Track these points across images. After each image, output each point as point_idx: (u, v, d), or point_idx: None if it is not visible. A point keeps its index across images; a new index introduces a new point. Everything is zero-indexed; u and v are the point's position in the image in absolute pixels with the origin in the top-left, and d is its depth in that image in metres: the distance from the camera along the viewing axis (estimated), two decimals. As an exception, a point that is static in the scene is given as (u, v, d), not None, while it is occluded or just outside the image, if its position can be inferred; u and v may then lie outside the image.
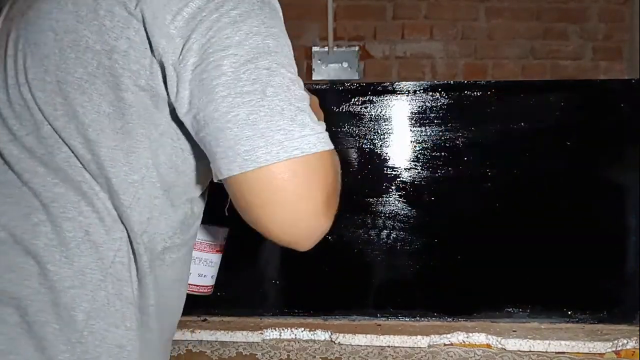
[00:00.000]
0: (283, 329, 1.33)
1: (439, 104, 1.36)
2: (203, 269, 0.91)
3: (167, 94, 0.64)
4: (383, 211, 1.38)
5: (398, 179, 1.37)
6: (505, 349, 1.28)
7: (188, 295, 0.83)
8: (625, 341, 1.26)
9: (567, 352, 1.26)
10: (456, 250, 1.38)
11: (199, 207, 0.77)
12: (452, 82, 1.39)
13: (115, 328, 0.66)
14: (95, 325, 0.64)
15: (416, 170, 1.37)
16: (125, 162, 0.64)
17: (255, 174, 0.61)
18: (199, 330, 1.33)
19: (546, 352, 1.27)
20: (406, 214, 1.38)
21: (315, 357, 1.31)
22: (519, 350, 1.28)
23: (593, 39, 2.67)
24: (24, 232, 0.64)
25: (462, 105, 1.36)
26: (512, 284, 1.39)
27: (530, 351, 1.27)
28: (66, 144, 0.64)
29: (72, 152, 0.64)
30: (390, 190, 1.38)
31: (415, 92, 1.36)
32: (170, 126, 0.67)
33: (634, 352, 1.25)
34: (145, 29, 0.61)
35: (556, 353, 1.27)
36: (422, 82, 1.38)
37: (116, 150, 0.64)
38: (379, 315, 1.40)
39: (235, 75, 0.60)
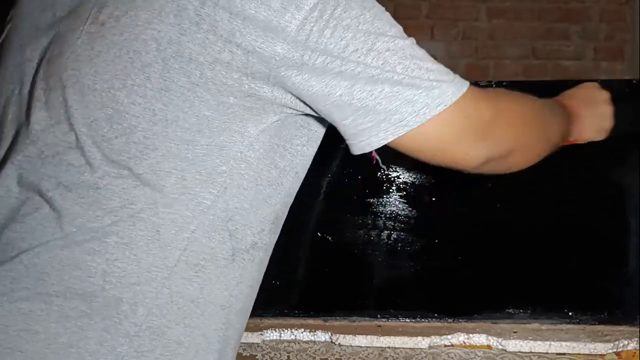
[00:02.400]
0: (283, 330, 1.33)
1: (439, 104, 1.36)
2: None
3: (284, 96, 0.70)
4: (383, 212, 1.38)
5: (398, 180, 1.37)
6: (506, 350, 1.28)
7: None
8: (626, 342, 1.26)
9: (568, 353, 1.26)
10: (457, 251, 1.38)
11: (284, 214, 0.83)
12: (452, 82, 1.39)
13: (175, 325, 0.69)
14: (155, 322, 0.68)
15: (416, 170, 1.37)
16: (217, 155, 0.69)
17: (411, 136, 0.71)
18: (199, 331, 1.33)
19: (547, 353, 1.27)
20: (407, 214, 1.38)
21: (315, 358, 1.31)
22: (520, 352, 1.27)
23: (594, 39, 2.67)
24: (94, 232, 0.67)
25: (462, 105, 1.36)
26: (512, 285, 1.38)
27: (531, 352, 1.27)
28: (158, 149, 0.67)
29: (165, 155, 0.68)
30: (391, 190, 1.37)
31: (415, 92, 1.36)
32: (276, 125, 0.73)
33: (635, 353, 1.25)
34: (251, 42, 0.66)
35: (557, 354, 1.26)
36: (423, 82, 1.37)
37: (210, 146, 0.68)
38: (379, 316, 1.39)
39: (365, 66, 0.68)
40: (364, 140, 0.72)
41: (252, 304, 0.83)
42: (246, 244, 0.75)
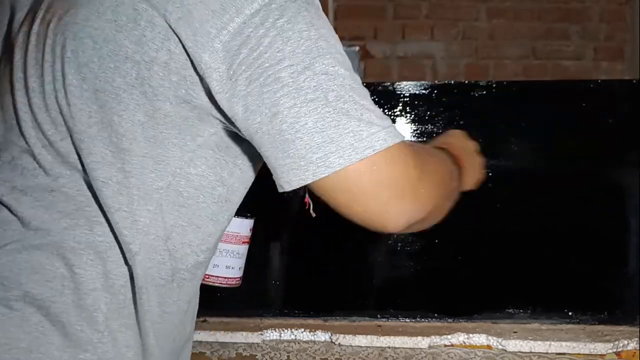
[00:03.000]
0: (283, 330, 1.33)
1: (439, 105, 1.36)
2: (230, 260, 0.91)
3: (217, 107, 0.64)
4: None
5: (398, 180, 1.37)
6: (506, 350, 1.28)
7: (213, 289, 0.85)
8: (626, 342, 1.26)
9: (568, 353, 1.26)
10: (457, 251, 1.38)
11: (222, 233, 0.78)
12: (453, 82, 1.39)
13: (125, 329, 0.68)
14: (111, 326, 0.66)
15: (416, 171, 1.37)
16: (153, 169, 0.65)
17: (331, 179, 0.63)
18: (199, 331, 1.33)
19: (547, 353, 1.27)
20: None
21: (315, 358, 1.31)
22: (520, 352, 1.27)
23: (594, 39, 2.67)
24: (51, 235, 0.65)
25: (463, 105, 1.36)
26: (512, 285, 1.38)
27: (531, 352, 1.27)
28: (93, 153, 0.65)
29: (100, 162, 0.65)
30: (391, 190, 1.37)
31: (416, 92, 1.36)
32: (215, 138, 0.68)
33: (635, 353, 1.25)
34: (184, 43, 0.61)
35: (557, 354, 1.26)
36: (423, 82, 1.38)
37: (146, 158, 0.65)
38: (379, 316, 1.39)
39: (296, 85, 0.61)
40: (282, 177, 0.64)
41: (193, 313, 0.80)
42: (187, 264, 0.71)
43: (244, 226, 0.90)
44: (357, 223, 0.70)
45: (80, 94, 0.64)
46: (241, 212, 0.87)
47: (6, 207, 0.67)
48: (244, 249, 0.91)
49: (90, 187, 0.66)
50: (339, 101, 0.62)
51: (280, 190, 0.66)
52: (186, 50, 0.61)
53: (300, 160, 0.62)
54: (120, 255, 0.67)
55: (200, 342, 1.33)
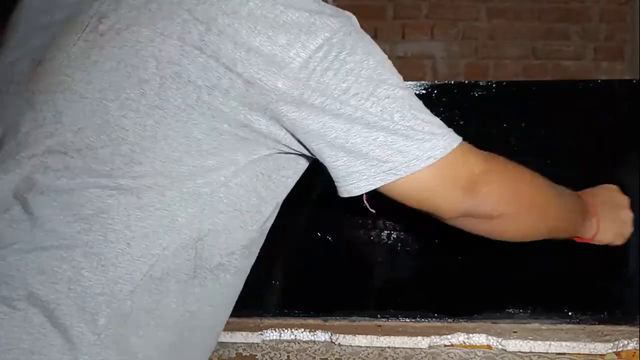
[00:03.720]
0: (283, 330, 1.33)
1: (439, 105, 1.36)
2: None
3: (275, 132, 0.71)
4: (383, 211, 1.38)
5: (398, 180, 1.37)
6: (506, 350, 1.28)
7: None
8: (626, 342, 1.26)
9: (568, 353, 1.26)
10: (457, 251, 1.38)
11: (261, 241, 0.85)
12: (453, 82, 1.39)
13: (130, 334, 0.69)
14: (112, 330, 0.67)
15: (416, 171, 1.37)
16: (201, 176, 0.69)
17: (399, 185, 0.75)
18: (199, 331, 1.33)
19: (547, 353, 1.27)
20: (406, 214, 1.37)
21: (315, 358, 1.31)
22: (520, 351, 1.27)
23: (594, 39, 2.67)
24: (64, 238, 0.66)
25: (463, 105, 1.36)
26: (512, 285, 1.38)
27: (531, 352, 1.27)
28: (143, 163, 0.67)
29: (149, 171, 0.67)
30: (391, 190, 1.37)
31: (416, 92, 1.36)
32: (266, 158, 0.74)
33: (635, 353, 1.25)
34: (251, 73, 0.66)
35: (557, 354, 1.26)
36: (423, 82, 1.38)
37: (196, 168, 0.68)
38: (379, 316, 1.39)
39: (364, 111, 0.70)
40: (352, 183, 0.75)
41: (216, 324, 0.83)
42: (211, 264, 0.75)
43: None
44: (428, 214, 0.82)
45: (137, 107, 0.66)
46: None
47: (21, 204, 0.68)
48: None
49: (114, 194, 0.67)
50: (403, 119, 0.72)
51: (346, 195, 0.77)
52: (252, 81, 0.66)
53: (371, 168, 0.73)
54: (130, 262, 0.68)
55: (200, 342, 1.33)
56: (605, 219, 0.96)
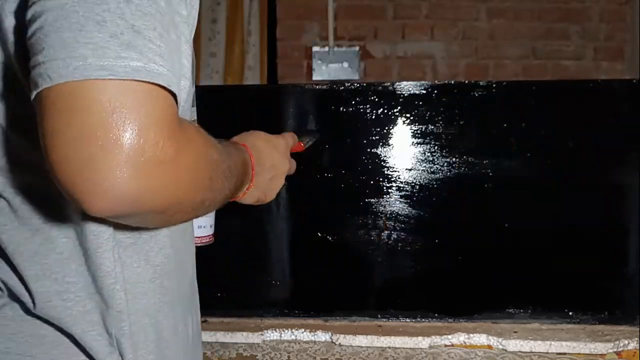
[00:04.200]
0: (283, 330, 1.33)
1: (439, 105, 1.36)
2: (200, 220, 0.93)
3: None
4: (383, 211, 1.38)
5: (398, 179, 1.37)
6: (506, 350, 1.28)
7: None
8: (626, 342, 1.26)
9: (569, 353, 1.26)
10: (457, 251, 1.38)
11: None
12: (453, 82, 1.39)
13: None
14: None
15: (416, 170, 1.37)
16: None
17: (51, 92, 0.48)
18: (199, 331, 1.33)
19: (547, 352, 1.27)
20: (407, 214, 1.38)
21: (315, 358, 1.31)
22: (520, 351, 1.27)
23: (594, 39, 2.67)
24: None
25: (463, 105, 1.36)
26: (513, 285, 1.38)
27: (531, 352, 1.27)
28: None
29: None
30: (391, 190, 1.37)
31: (415, 92, 1.36)
32: None
33: (635, 353, 1.25)
34: None
35: (557, 354, 1.26)
36: (423, 82, 1.38)
37: None
38: (379, 316, 1.39)
39: None
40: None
41: (182, 258, 0.74)
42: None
43: None
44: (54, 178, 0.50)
45: None
46: None
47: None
48: None
49: None
50: (98, 5, 0.48)
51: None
52: None
53: (41, 58, 0.49)
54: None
55: (201, 342, 1.33)
56: (257, 185, 0.81)
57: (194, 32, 0.61)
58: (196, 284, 0.81)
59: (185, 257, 0.76)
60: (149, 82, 0.49)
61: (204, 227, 0.94)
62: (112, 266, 0.63)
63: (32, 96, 0.50)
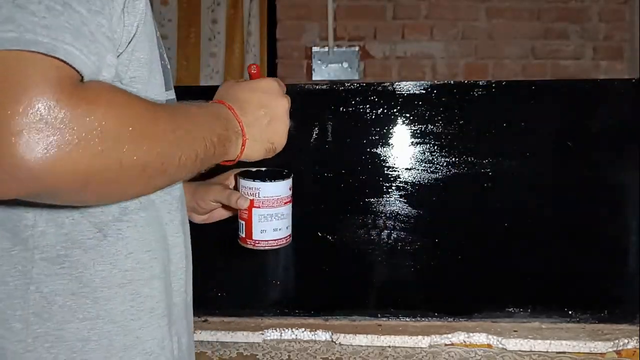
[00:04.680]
0: (284, 330, 1.33)
1: (439, 105, 1.36)
2: (277, 223, 0.93)
3: None
4: (383, 211, 1.38)
5: (398, 179, 1.37)
6: (506, 349, 1.28)
7: (258, 254, 0.83)
8: (626, 341, 1.26)
9: (568, 352, 1.26)
10: (457, 250, 1.38)
11: None
12: (452, 82, 1.39)
13: (67, 323, 0.62)
14: (39, 330, 0.61)
15: (416, 170, 1.37)
16: None
17: None
18: (200, 331, 1.33)
19: (547, 352, 1.27)
20: (406, 214, 1.38)
21: (316, 357, 1.31)
22: (520, 350, 1.28)
23: (593, 38, 2.67)
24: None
25: (462, 105, 1.37)
26: (513, 284, 1.39)
27: (531, 351, 1.27)
28: None
29: None
30: (391, 190, 1.38)
31: (415, 92, 1.36)
32: None
33: (635, 351, 1.25)
34: None
35: (557, 353, 1.27)
36: (423, 82, 1.38)
37: None
38: (379, 315, 1.40)
39: None
40: None
41: (166, 268, 0.70)
42: (112, 214, 0.63)
43: (281, 188, 0.92)
44: None
45: None
46: (277, 175, 0.89)
47: None
48: (286, 209, 0.94)
49: None
50: None
51: None
52: None
53: None
54: (10, 254, 0.61)
55: (202, 341, 1.33)
56: (254, 137, 0.73)
57: (137, 5, 0.59)
58: (191, 307, 0.78)
59: (175, 270, 0.72)
60: (24, 51, 0.46)
61: (279, 229, 0.94)
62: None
63: None
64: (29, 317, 0.60)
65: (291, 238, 0.96)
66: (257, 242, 0.92)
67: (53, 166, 0.46)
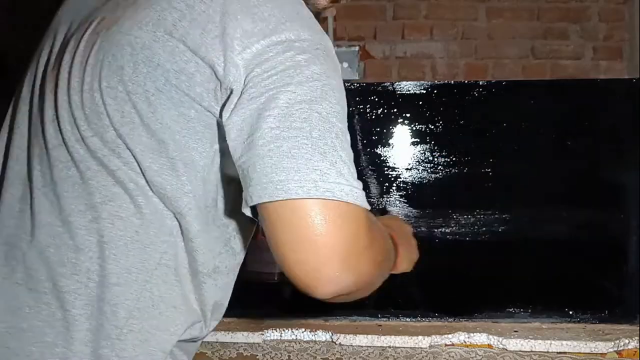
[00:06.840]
0: (284, 330, 1.33)
1: (439, 104, 1.36)
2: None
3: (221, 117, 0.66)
4: (383, 211, 1.38)
5: (398, 179, 1.37)
6: (506, 349, 1.28)
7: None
8: (627, 341, 1.26)
9: (569, 352, 1.26)
10: (457, 251, 1.38)
11: (238, 244, 0.80)
12: (452, 82, 1.39)
13: (159, 331, 0.69)
14: (136, 325, 0.68)
15: (416, 170, 1.37)
16: (183, 172, 0.68)
17: (284, 205, 0.62)
18: (200, 331, 1.33)
19: (548, 352, 1.27)
20: (406, 214, 1.38)
21: (316, 357, 1.31)
22: (521, 351, 1.27)
23: (593, 38, 2.66)
24: (78, 228, 0.68)
25: (462, 105, 1.36)
26: (513, 284, 1.38)
27: (531, 351, 1.27)
28: (128, 149, 0.68)
29: (133, 157, 0.67)
30: (391, 190, 1.38)
31: (415, 92, 1.36)
32: (218, 150, 0.70)
33: (635, 351, 1.25)
34: (212, 57, 0.65)
35: (558, 353, 1.26)
36: (423, 82, 1.38)
37: (175, 161, 0.68)
38: (380, 315, 1.39)
39: (287, 111, 0.63)
40: (245, 193, 0.65)
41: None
42: (207, 268, 0.74)
43: None
44: (284, 271, 0.68)
45: (115, 94, 0.67)
46: None
47: (39, 198, 0.70)
48: None
49: (115, 183, 0.68)
50: (320, 140, 0.63)
51: (243, 208, 0.66)
52: (212, 65, 0.64)
53: (263, 177, 0.62)
54: (141, 250, 0.68)
55: (202, 342, 1.33)
56: (403, 250, 0.91)
57: None
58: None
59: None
60: (351, 203, 0.64)
61: (273, 264, 0.98)
62: None
63: (253, 202, 0.63)
64: (133, 310, 0.68)
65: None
66: None
67: (360, 278, 0.66)
